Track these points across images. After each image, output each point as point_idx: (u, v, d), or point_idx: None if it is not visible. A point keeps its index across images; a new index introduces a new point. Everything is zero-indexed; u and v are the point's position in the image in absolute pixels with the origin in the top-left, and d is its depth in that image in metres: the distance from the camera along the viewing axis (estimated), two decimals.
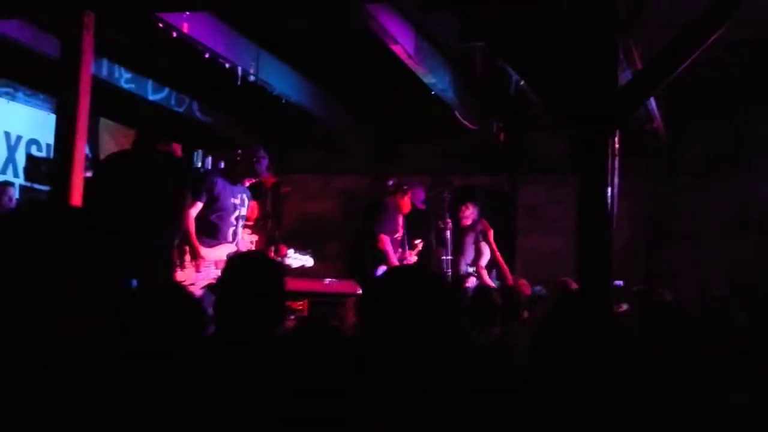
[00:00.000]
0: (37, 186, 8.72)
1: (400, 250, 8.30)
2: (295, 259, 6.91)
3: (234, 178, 6.50)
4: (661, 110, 8.51)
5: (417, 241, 8.67)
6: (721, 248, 9.68)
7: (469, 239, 9.00)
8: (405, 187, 8.33)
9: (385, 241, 7.78)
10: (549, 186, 10.60)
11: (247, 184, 6.61)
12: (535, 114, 8.91)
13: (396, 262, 7.75)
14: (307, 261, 7.03)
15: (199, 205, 6.23)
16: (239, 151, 9.01)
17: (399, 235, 8.19)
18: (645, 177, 10.10)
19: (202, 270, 6.17)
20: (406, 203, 8.29)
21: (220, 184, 6.38)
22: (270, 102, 8.81)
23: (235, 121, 10.41)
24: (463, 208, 9.16)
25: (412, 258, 8.52)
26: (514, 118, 9.90)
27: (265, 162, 6.53)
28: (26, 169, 8.87)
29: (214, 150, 10.15)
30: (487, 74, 8.28)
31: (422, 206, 8.33)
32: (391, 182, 8.99)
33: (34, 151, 9.19)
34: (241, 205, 6.51)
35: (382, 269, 7.53)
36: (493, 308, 5.30)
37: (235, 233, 6.46)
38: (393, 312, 2.28)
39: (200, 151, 10.36)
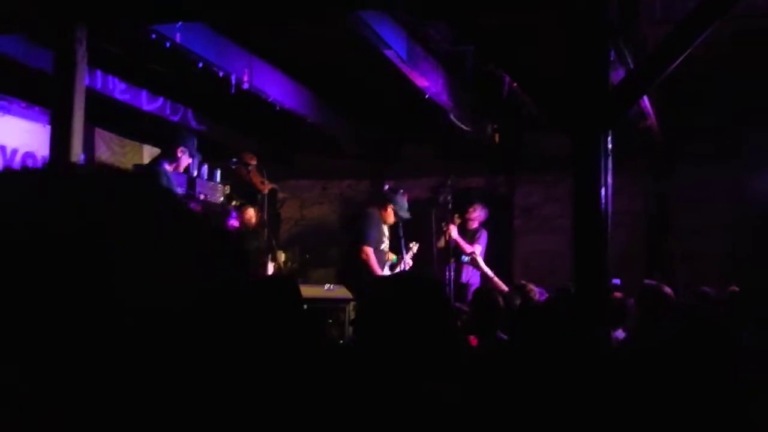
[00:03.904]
0: None
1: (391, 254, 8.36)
2: None
3: (175, 167, 6.62)
4: (655, 107, 8.53)
5: (412, 244, 8.68)
6: (721, 243, 9.71)
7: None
8: (386, 197, 8.40)
9: (368, 252, 7.87)
10: (545, 185, 10.62)
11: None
12: (529, 114, 8.94)
13: (379, 272, 7.79)
14: None
15: None
16: (234, 160, 9.08)
17: (384, 245, 8.26)
18: (643, 174, 10.12)
19: None
20: (389, 215, 8.35)
21: (166, 174, 6.48)
22: (265, 109, 8.82)
23: (230, 128, 10.42)
24: (471, 209, 9.16)
25: (408, 262, 8.54)
26: (509, 119, 9.93)
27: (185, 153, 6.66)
28: None
29: (210, 158, 10.17)
30: (481, 76, 8.31)
31: (407, 215, 8.41)
32: (387, 186, 9.02)
33: (30, 164, 9.18)
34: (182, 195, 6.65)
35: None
36: (496, 311, 5.26)
37: None
38: (385, 320, 2.30)
39: (196, 159, 10.39)
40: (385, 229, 8.29)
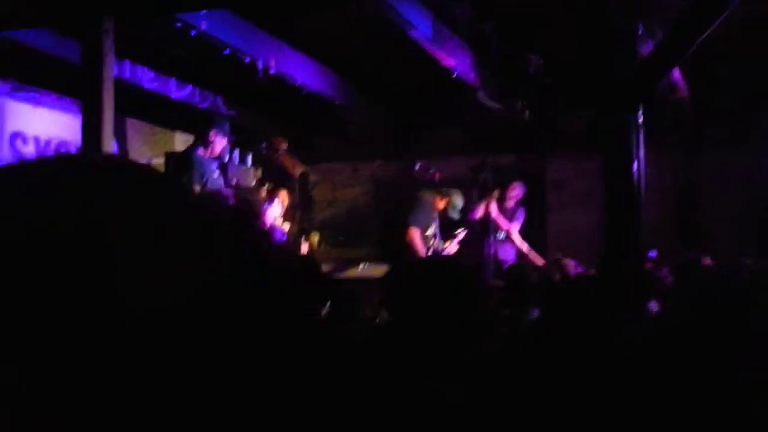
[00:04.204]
0: None
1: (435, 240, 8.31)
2: None
3: (210, 152, 6.54)
4: (686, 80, 8.41)
5: (458, 231, 8.61)
6: (750, 217, 9.59)
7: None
8: (443, 191, 8.35)
9: (414, 234, 7.85)
10: (576, 161, 10.53)
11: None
12: (557, 90, 8.86)
13: (422, 254, 7.76)
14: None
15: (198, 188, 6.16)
16: (264, 144, 9.10)
17: (431, 231, 8.22)
18: (674, 148, 10.00)
19: None
20: (441, 206, 8.31)
21: (202, 161, 6.40)
22: (292, 93, 8.84)
23: (259, 113, 10.46)
24: (510, 188, 9.11)
25: (453, 248, 8.48)
26: (538, 95, 9.84)
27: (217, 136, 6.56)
28: None
29: (241, 143, 10.22)
30: (508, 53, 8.24)
31: (457, 216, 8.41)
32: (417, 166, 9.01)
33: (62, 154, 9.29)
34: (218, 180, 6.53)
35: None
36: (529, 287, 5.24)
37: None
38: (411, 304, 2.31)
39: (227, 145, 10.45)
40: (435, 216, 8.28)
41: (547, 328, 2.86)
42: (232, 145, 8.36)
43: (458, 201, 8.43)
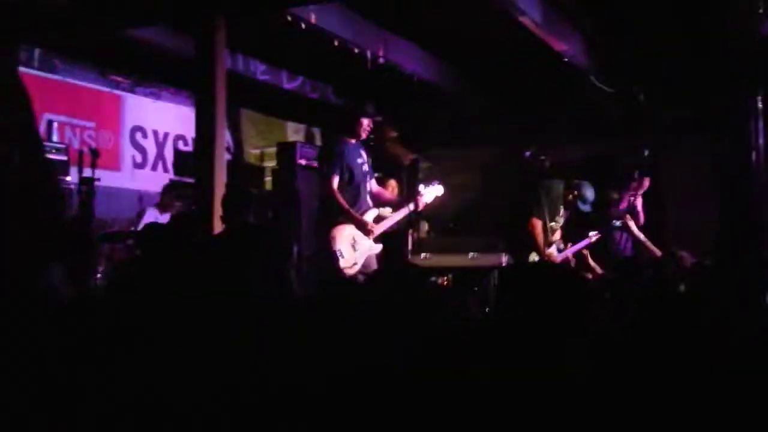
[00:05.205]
0: (185, 179, 9.06)
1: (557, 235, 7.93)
2: (428, 193, 6.73)
3: (354, 137, 6.29)
4: None
5: (592, 234, 8.18)
6: None
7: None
8: (576, 183, 7.89)
9: (536, 225, 7.51)
10: (693, 148, 10.16)
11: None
12: (673, 73, 8.57)
13: (541, 245, 7.46)
14: (438, 189, 6.86)
15: (337, 179, 6.08)
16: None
17: (555, 224, 7.79)
18: None
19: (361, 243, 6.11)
20: (569, 197, 7.87)
21: (348, 147, 6.21)
22: (402, 81, 8.86)
23: (370, 102, 10.52)
24: (645, 180, 8.76)
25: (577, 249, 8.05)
26: (654, 79, 9.53)
27: (364, 122, 6.30)
28: (174, 164, 9.25)
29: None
30: (620, 35, 8.01)
31: (587, 209, 7.91)
32: (528, 153, 8.83)
33: (180, 146, 9.59)
34: (365, 163, 6.31)
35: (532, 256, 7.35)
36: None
37: (368, 194, 6.34)
38: (525, 307, 2.30)
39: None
40: (561, 208, 7.85)
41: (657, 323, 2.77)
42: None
43: (588, 193, 7.99)
